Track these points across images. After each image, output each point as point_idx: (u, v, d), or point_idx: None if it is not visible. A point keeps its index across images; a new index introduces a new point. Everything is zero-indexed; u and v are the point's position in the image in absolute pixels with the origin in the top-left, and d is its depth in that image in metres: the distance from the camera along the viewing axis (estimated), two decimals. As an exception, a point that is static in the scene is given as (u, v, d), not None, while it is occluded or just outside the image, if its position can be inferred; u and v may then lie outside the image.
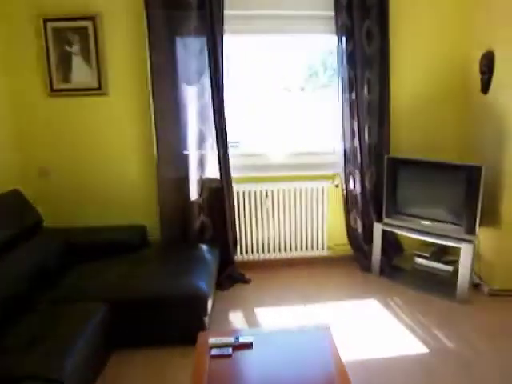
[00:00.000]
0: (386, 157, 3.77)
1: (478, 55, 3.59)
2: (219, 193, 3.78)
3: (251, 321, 3.27)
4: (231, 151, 3.79)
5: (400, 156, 3.80)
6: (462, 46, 3.86)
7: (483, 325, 3.15)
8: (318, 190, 4.03)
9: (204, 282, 2.98)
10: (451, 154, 4.00)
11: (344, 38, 3.62)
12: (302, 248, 4.14)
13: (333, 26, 3.62)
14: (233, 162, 3.82)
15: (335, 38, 3.65)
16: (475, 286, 3.63)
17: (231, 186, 3.85)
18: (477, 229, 3.33)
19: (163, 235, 3.82)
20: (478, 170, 3.23)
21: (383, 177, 3.81)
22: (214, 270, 3.38)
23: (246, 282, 3.89)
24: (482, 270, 3.64)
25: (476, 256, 3.45)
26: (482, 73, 3.46)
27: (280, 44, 4.07)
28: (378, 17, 3.58)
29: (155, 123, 3.62)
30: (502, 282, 3.53)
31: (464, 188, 3.35)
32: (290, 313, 3.36)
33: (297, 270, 4.06)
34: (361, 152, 3.85)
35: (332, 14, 3.59)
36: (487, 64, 3.37)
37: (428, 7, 3.79)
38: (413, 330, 3.08)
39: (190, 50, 3.55)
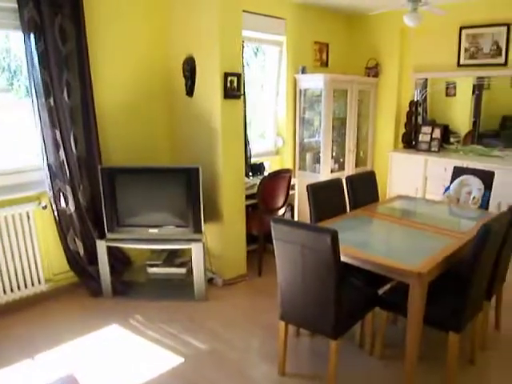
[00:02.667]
0: (99, 167, 3.65)
1: (181, 59, 3.91)
2: None
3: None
4: None
5: (115, 165, 3.78)
6: (166, 51, 4.12)
7: (224, 315, 3.52)
8: (21, 215, 3.53)
9: None
10: (167, 157, 4.26)
11: (33, 35, 3.27)
12: (12, 289, 3.55)
13: (17, 21, 3.23)
14: None
15: (21, 34, 3.26)
16: (210, 281, 4.00)
17: None
18: (203, 227, 3.67)
19: None
20: (196, 171, 3.55)
21: (99, 190, 3.68)
22: None
23: None
24: (213, 265, 4.05)
25: (206, 252, 3.79)
26: (185, 77, 3.80)
27: None
28: (71, 13, 3.39)
29: None
30: (231, 271, 4.05)
31: (185, 190, 3.62)
32: (18, 374, 2.84)
33: (12, 318, 3.46)
34: (69, 165, 3.62)
35: (15, 6, 3.20)
36: (189, 69, 3.73)
37: (128, 9, 3.87)
38: (163, 344, 3.13)
39: None
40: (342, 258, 2.55)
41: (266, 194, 4.09)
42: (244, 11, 3.83)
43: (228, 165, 3.83)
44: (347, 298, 2.59)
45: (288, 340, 2.83)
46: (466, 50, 5.38)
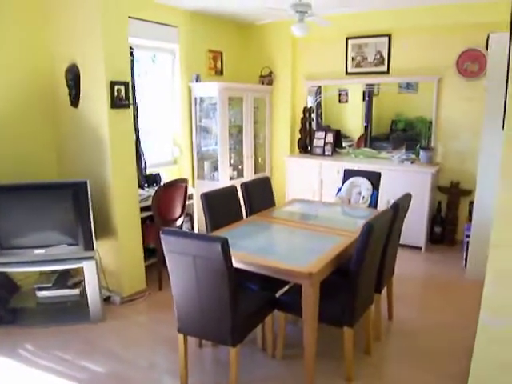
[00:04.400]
0: (-26, 186, 3.40)
1: (64, 67, 3.76)
2: None
3: None
4: None
5: (-7, 183, 3.52)
6: (46, 60, 3.91)
7: (124, 334, 3.44)
8: None
9: None
10: (54, 172, 4.07)
11: None
12: None
13: None
14: None
15: None
16: (107, 300, 3.87)
17: None
18: (94, 244, 3.56)
19: None
20: (84, 185, 3.44)
21: (-24, 210, 3.43)
22: None
23: None
24: (109, 283, 3.92)
25: (101, 270, 3.68)
26: (68, 86, 3.66)
27: None
28: None
29: None
30: (129, 288, 3.97)
31: (73, 206, 3.49)
32: None
33: None
34: None
35: None
36: (72, 77, 3.60)
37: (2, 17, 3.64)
38: (57, 372, 2.98)
39: None
40: (236, 265, 2.62)
41: (161, 205, 4.06)
42: (132, 18, 3.78)
43: (119, 177, 3.75)
44: (243, 304, 2.65)
45: (191, 352, 2.85)
46: (352, 58, 5.79)
